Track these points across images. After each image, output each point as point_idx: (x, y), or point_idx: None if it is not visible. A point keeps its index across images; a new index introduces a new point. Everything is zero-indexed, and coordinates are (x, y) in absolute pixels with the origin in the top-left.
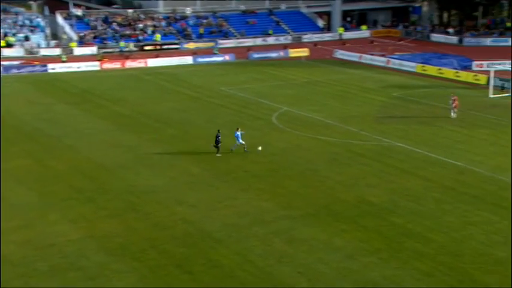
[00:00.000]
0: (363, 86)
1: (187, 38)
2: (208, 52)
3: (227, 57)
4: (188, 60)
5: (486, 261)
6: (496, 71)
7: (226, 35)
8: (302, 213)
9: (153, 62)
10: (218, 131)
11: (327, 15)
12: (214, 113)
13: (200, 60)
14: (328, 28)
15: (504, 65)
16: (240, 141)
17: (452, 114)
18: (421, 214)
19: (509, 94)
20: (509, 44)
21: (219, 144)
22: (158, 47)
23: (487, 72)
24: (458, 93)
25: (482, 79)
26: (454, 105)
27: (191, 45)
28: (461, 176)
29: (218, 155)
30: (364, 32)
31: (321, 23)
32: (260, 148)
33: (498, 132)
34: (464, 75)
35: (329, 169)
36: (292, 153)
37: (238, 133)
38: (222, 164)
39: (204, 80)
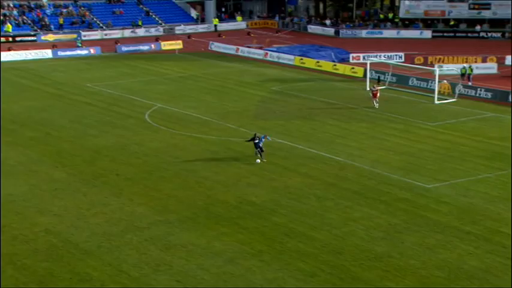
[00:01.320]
0: (241, 80)
1: (45, 29)
2: (70, 45)
3: (92, 51)
4: (47, 53)
5: (367, 257)
6: (371, 63)
7: (90, 26)
8: (179, 217)
9: (5, 56)
10: (255, 134)
11: (201, 5)
12: (80, 112)
13: (61, 53)
14: (202, 19)
15: (379, 57)
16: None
17: (375, 104)
18: (303, 212)
19: (386, 87)
20: (384, 35)
21: (259, 149)
22: (10, 39)
23: (363, 65)
24: (336, 87)
25: (359, 72)
26: (375, 97)
27: (50, 37)
28: (342, 171)
29: (264, 160)
30: (240, 24)
31: (194, 13)
32: (259, 161)
33: (376, 126)
34: (342, 68)
35: (208, 169)
36: (168, 153)
37: (264, 140)
38: (90, 168)
39: (67, 75)
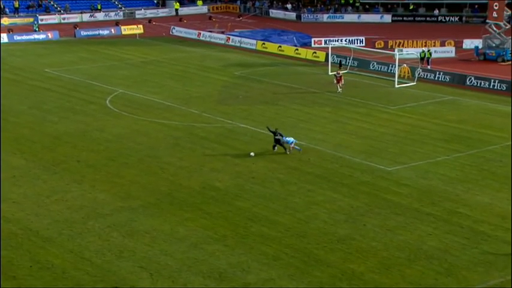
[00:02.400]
0: (203, 65)
1: (0, 12)
2: (27, 29)
3: (50, 35)
4: (3, 38)
5: (329, 240)
6: (333, 48)
7: (47, 10)
8: (142, 204)
9: None
10: (276, 129)
11: None
12: (39, 97)
13: (18, 38)
14: (162, 3)
15: (340, 42)
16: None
17: (338, 89)
18: (267, 197)
19: (347, 71)
20: (345, 20)
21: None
22: None
23: (325, 49)
24: (299, 71)
25: (321, 56)
26: (339, 82)
27: (5, 21)
28: (305, 155)
29: (288, 152)
30: (201, 8)
31: None
32: (253, 153)
33: (338, 110)
34: (304, 52)
35: (171, 155)
36: (130, 140)
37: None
38: (50, 154)
39: (25, 60)
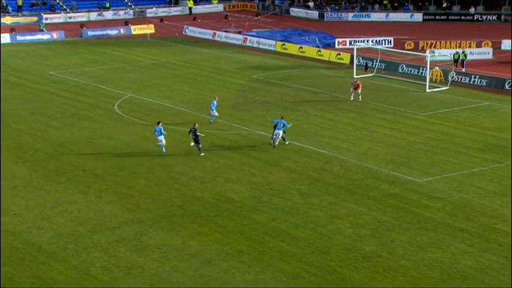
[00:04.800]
0: (218, 68)
1: (2, 11)
2: (31, 29)
3: (55, 35)
4: (5, 38)
5: (354, 257)
6: (358, 49)
7: (52, 8)
8: (152, 216)
9: None
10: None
11: None
12: (43, 102)
13: (21, 38)
14: (175, 1)
15: (367, 42)
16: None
17: (359, 97)
18: (286, 210)
19: (373, 74)
20: (371, 19)
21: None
22: None
23: (350, 50)
24: (321, 74)
25: (345, 58)
26: (357, 89)
27: (8, 20)
28: (327, 165)
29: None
30: (216, 6)
31: None
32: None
33: (363, 116)
34: (327, 54)
35: (183, 164)
36: (140, 147)
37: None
38: (53, 163)
39: (28, 62)
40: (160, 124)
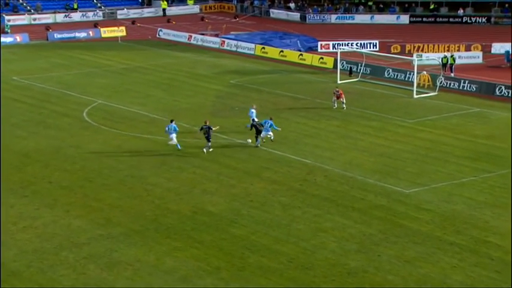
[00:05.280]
0: (194, 73)
1: None
2: None
3: (19, 38)
4: None
5: (339, 273)
6: (342, 53)
7: (15, 10)
8: (124, 231)
9: None
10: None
11: None
12: (6, 109)
13: None
14: (148, 2)
15: (351, 46)
16: (269, 132)
17: (343, 106)
18: (267, 223)
19: (358, 79)
20: (356, 21)
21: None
22: None
23: (333, 54)
24: (303, 79)
25: (328, 62)
26: (339, 98)
27: None
28: (311, 175)
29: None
30: (192, 7)
31: None
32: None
33: (348, 124)
34: (309, 58)
35: (157, 175)
36: (111, 157)
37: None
38: (18, 175)
39: None
40: (174, 122)
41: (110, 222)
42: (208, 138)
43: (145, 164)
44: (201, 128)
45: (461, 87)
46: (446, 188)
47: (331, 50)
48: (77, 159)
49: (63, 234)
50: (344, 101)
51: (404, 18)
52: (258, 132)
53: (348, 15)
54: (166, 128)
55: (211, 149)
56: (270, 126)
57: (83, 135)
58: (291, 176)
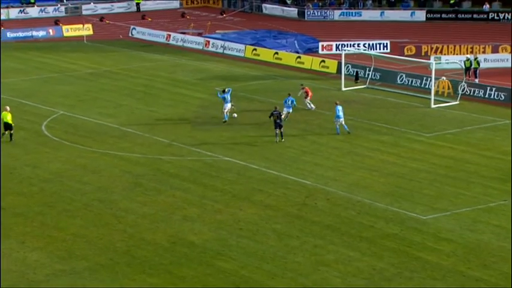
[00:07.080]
0: (174, 78)
1: None
2: None
3: None
4: None
5: None
6: (347, 55)
7: None
8: (90, 265)
9: None
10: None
11: None
12: None
13: None
14: None
15: (357, 47)
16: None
17: (311, 106)
18: (259, 255)
19: (366, 86)
20: (363, 18)
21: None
22: None
23: (337, 57)
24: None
25: (331, 66)
26: (306, 96)
27: None
28: (310, 199)
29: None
30: (171, 2)
31: None
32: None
33: (354, 138)
34: (309, 61)
35: (130, 198)
36: (74, 178)
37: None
38: None
39: None
40: (291, 95)
41: (73, 255)
42: (280, 124)
43: (115, 186)
44: (271, 114)
45: (487, 96)
46: (471, 214)
47: (334, 51)
48: (34, 181)
49: (17, 270)
50: (309, 99)
51: (420, 15)
52: (277, 126)
53: (353, 11)
54: (284, 102)
55: (283, 140)
56: (291, 103)
57: (41, 153)
58: (287, 200)
